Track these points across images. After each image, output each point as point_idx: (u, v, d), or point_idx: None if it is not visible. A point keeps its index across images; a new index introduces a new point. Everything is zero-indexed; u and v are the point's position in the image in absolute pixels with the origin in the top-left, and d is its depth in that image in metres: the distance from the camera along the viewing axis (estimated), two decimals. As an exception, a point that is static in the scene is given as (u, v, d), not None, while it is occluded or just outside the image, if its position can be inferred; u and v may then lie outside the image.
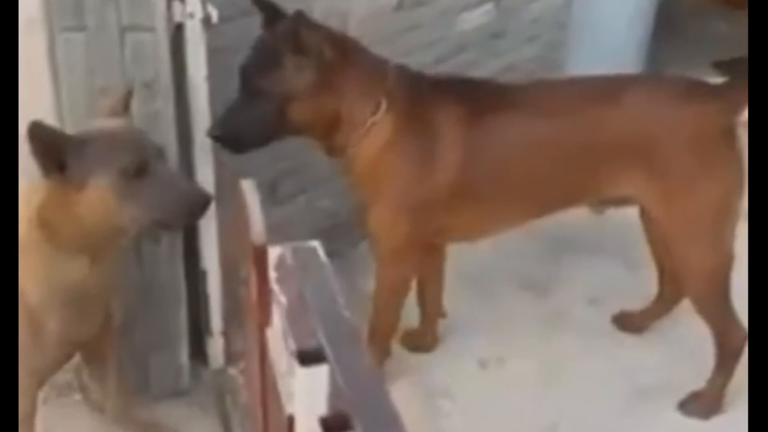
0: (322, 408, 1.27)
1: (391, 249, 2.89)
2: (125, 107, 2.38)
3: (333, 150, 2.77)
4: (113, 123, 2.30)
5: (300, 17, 2.55)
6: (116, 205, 2.18)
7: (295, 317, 1.41)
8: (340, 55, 2.64)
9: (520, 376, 3.19)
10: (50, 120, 2.49)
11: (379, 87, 2.70)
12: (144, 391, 2.96)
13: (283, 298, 1.47)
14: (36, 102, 2.47)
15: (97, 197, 2.16)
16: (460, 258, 3.24)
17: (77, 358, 2.74)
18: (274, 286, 1.50)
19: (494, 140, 2.78)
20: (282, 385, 1.45)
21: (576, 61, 4.84)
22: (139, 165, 2.19)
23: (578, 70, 4.23)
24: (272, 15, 2.65)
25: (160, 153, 2.29)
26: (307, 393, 1.28)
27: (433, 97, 2.77)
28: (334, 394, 1.27)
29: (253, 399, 1.93)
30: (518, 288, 3.63)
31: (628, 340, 3.38)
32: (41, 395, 2.54)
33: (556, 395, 3.10)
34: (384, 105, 2.69)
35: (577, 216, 3.13)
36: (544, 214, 3.00)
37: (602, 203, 3.06)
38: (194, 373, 3.03)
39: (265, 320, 1.58)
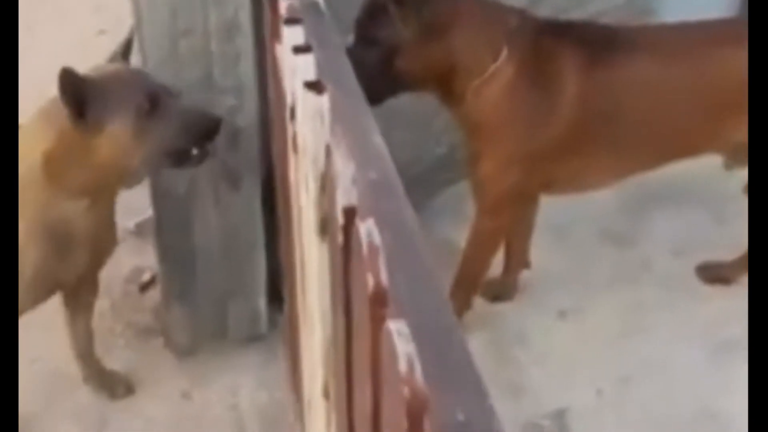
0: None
1: (496, 199, 2.86)
2: (124, 53, 2.45)
3: (449, 100, 2.76)
4: (114, 66, 2.36)
5: None
6: (133, 145, 2.24)
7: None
8: (452, 5, 2.63)
9: (598, 327, 3.14)
10: (133, 61, 2.53)
11: (499, 34, 2.69)
12: (221, 336, 2.99)
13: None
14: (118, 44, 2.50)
15: (114, 140, 2.22)
16: (542, 208, 3.20)
17: (156, 301, 2.75)
18: (284, 27, 1.88)
19: (613, 84, 2.76)
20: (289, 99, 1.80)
21: (667, 8, 4.72)
22: (153, 101, 2.25)
23: (670, 18, 4.13)
24: None
25: (166, 88, 2.34)
26: (299, 77, 1.67)
27: (552, 42, 2.75)
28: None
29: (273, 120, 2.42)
30: (600, 238, 3.56)
31: (712, 293, 3.29)
32: (122, 340, 2.55)
33: (635, 348, 3.05)
34: (505, 51, 2.67)
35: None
36: (656, 165, 2.96)
37: (732, 157, 2.97)
38: (272, 319, 3.04)
39: (276, 36, 1.98)
